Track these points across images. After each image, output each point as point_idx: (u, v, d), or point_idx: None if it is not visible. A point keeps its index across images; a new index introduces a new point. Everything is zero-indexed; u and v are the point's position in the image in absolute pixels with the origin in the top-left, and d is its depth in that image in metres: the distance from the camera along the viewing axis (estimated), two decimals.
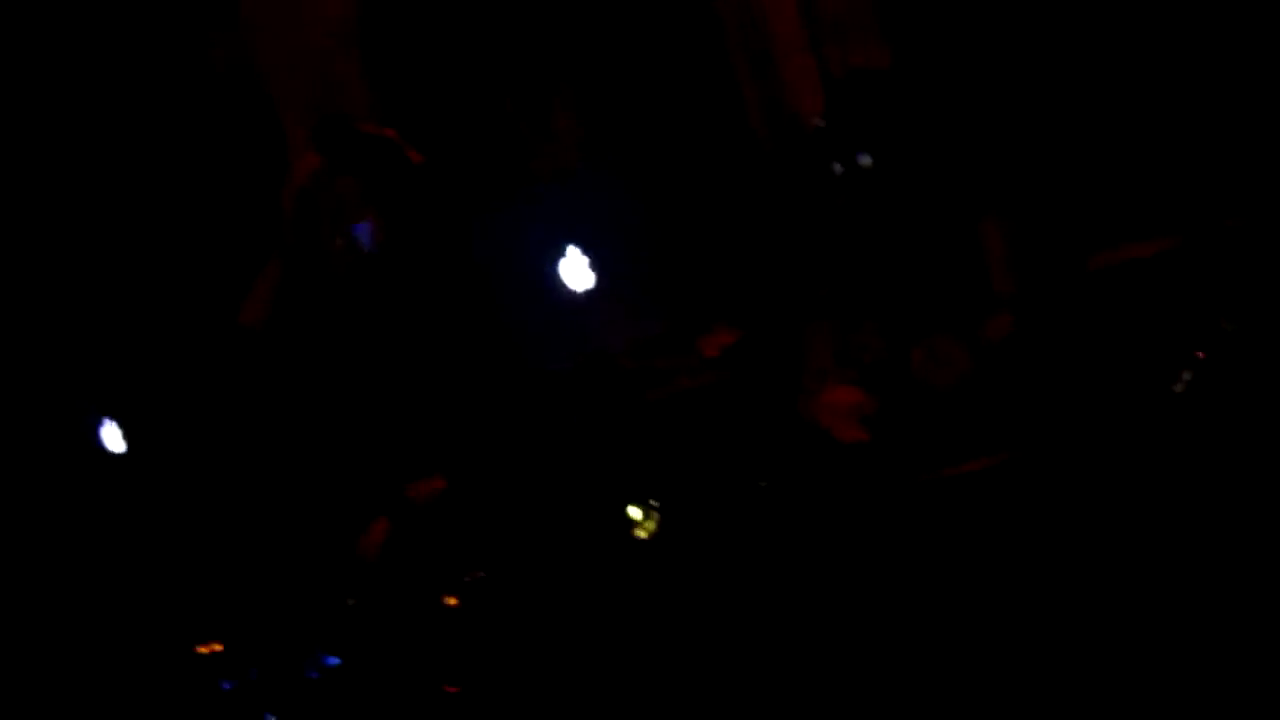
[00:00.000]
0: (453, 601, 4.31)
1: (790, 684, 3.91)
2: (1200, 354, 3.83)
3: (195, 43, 5.68)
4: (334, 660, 4.41)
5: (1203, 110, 4.50)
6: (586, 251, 4.26)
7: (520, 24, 5.13)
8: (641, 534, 4.19)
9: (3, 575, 4.86)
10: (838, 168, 4.28)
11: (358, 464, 4.57)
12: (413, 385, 4.58)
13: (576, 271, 4.23)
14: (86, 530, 4.88)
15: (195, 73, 5.69)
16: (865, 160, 4.18)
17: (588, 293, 4.30)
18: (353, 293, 4.58)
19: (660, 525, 4.18)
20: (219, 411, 4.77)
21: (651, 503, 4.19)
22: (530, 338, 4.39)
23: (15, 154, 5.58)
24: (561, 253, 4.29)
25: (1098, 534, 3.76)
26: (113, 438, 4.71)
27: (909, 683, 3.80)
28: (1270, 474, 3.63)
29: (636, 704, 4.02)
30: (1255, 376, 3.80)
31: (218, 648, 4.54)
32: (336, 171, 4.52)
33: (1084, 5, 4.59)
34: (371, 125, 4.67)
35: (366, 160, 4.50)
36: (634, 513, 4.21)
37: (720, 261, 4.47)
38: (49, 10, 5.75)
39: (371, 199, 4.52)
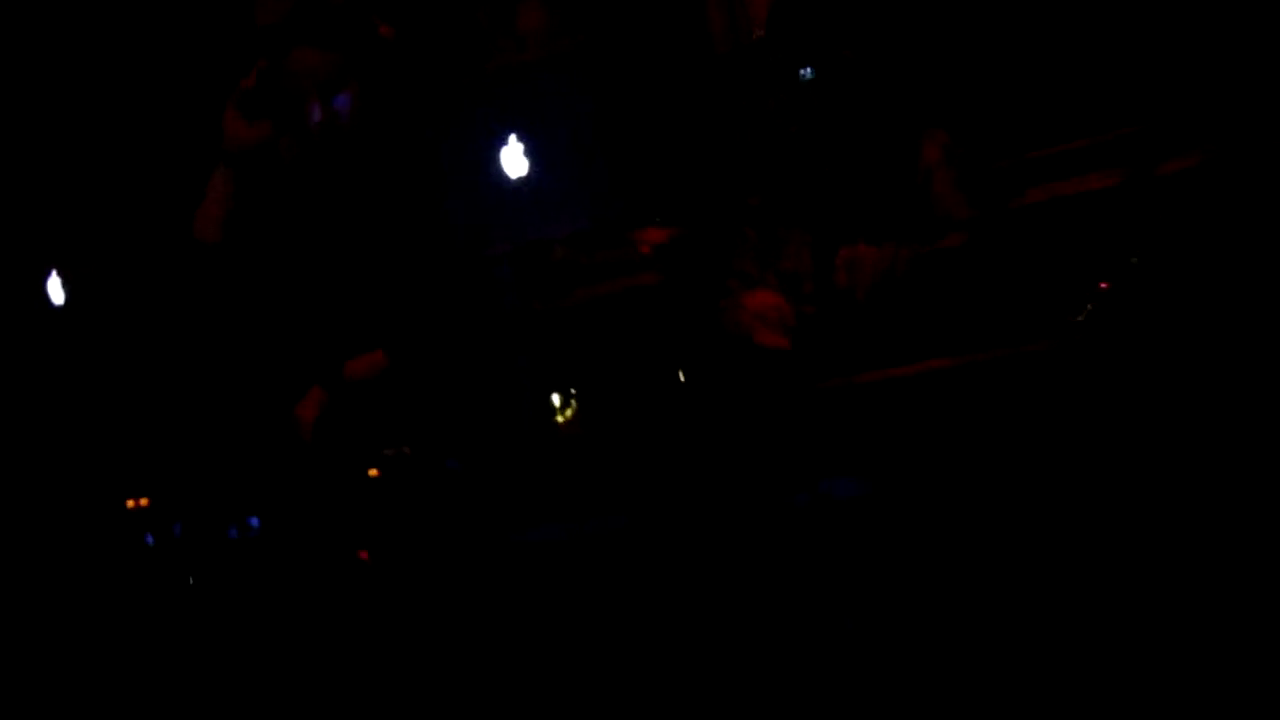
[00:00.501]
0: (374, 473, 4.42)
1: (695, 579, 4.02)
2: (1104, 285, 3.91)
3: None
4: (255, 521, 4.53)
5: (1163, 44, 4.57)
6: (530, 143, 4.34)
7: None
8: (559, 420, 4.29)
9: None
10: (784, 78, 4.35)
11: (297, 336, 4.66)
12: (357, 263, 4.67)
13: (516, 161, 4.31)
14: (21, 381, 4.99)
15: None
16: (806, 74, 4.24)
17: (529, 183, 4.37)
18: (311, 174, 4.65)
19: (578, 413, 4.29)
20: (163, 276, 4.88)
21: (571, 390, 4.29)
22: (471, 224, 4.46)
23: None
24: (505, 143, 4.37)
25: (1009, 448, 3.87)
26: (55, 290, 4.80)
27: (812, 587, 3.91)
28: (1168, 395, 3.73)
29: (537, 581, 4.14)
30: (1158, 309, 3.88)
31: (144, 503, 4.65)
32: (311, 44, 4.59)
33: None
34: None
35: (340, 33, 4.57)
36: (554, 400, 4.32)
37: (662, 161, 4.55)
38: None
39: (347, 72, 4.59)
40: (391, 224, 4.51)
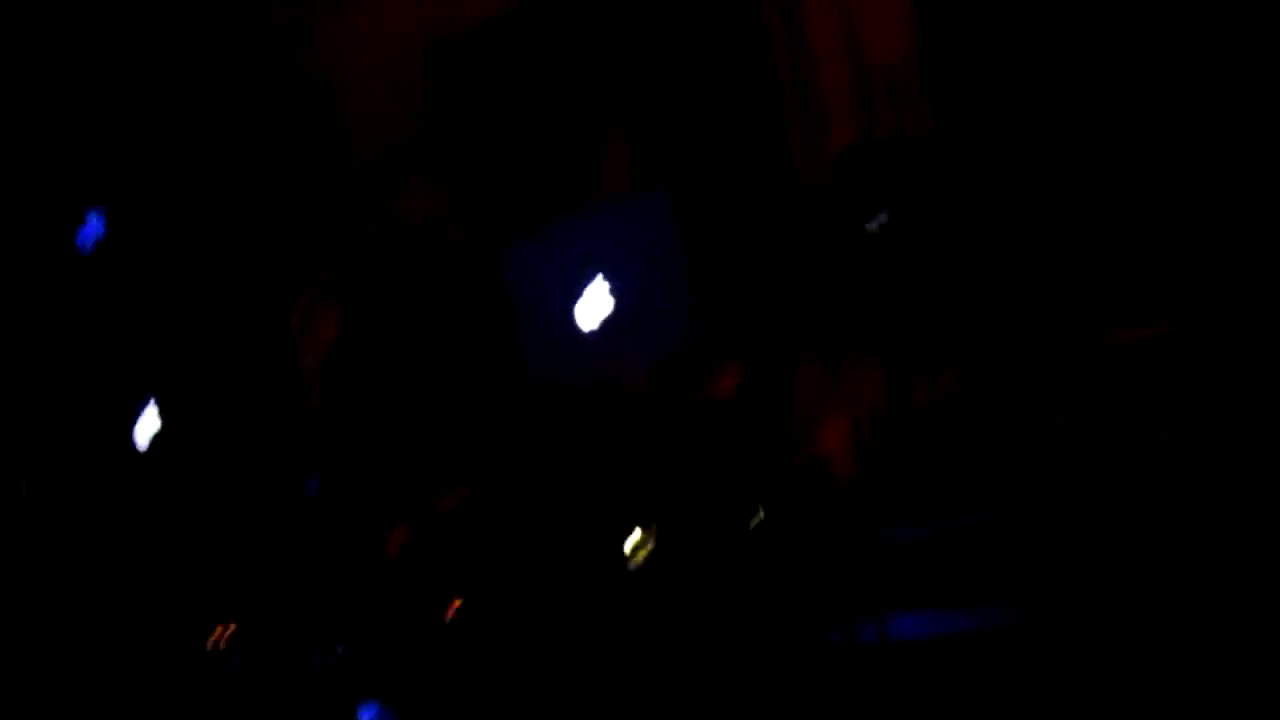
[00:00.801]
0: (457, 602, 4.59)
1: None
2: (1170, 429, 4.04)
3: (274, 58, 6.05)
4: (340, 649, 4.72)
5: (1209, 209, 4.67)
6: (614, 281, 4.50)
7: (583, 62, 5.43)
8: (640, 552, 4.42)
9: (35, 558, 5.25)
10: (868, 225, 4.53)
11: (389, 475, 4.90)
12: (443, 405, 4.90)
13: (600, 300, 4.48)
14: (125, 520, 5.24)
15: (272, 84, 6.05)
16: (881, 220, 4.40)
17: (610, 319, 4.55)
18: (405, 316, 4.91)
19: (657, 545, 4.42)
20: (267, 416, 5.14)
21: (650, 524, 4.42)
22: (553, 360, 4.64)
23: (92, 146, 5.93)
24: (590, 281, 4.54)
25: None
26: (146, 430, 5.05)
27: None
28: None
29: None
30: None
31: (226, 634, 4.88)
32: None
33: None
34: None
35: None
36: (634, 537, 4.45)
37: (738, 296, 4.71)
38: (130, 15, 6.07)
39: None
40: (478, 365, 4.74)
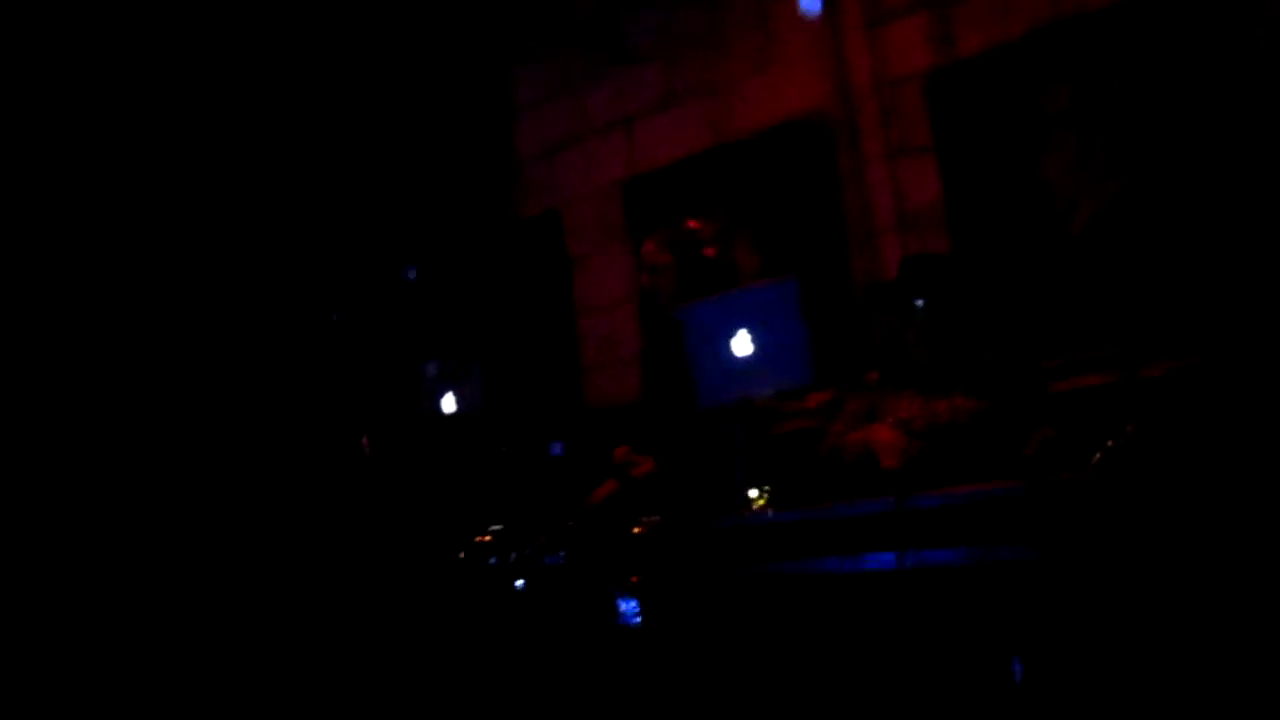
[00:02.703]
0: (637, 530, 7.12)
1: None
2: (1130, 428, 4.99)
3: (515, 192, 8.92)
4: (560, 556, 7.31)
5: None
6: (751, 334, 7.03)
7: (726, 196, 8.22)
8: (759, 503, 6.96)
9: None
10: (915, 302, 7.05)
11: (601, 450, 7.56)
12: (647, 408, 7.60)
13: (743, 345, 7.01)
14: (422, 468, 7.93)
15: (514, 211, 8.95)
16: (919, 303, 6.98)
17: (748, 360, 7.05)
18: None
19: (769, 500, 6.97)
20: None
21: (765, 488, 6.98)
22: (711, 383, 7.17)
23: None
24: (735, 333, 7.08)
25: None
26: (448, 403, 7.72)
27: None
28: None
29: None
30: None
31: (489, 539, 7.51)
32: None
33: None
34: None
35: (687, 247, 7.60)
36: (754, 493, 7.01)
37: (826, 352, 7.28)
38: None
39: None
40: (663, 386, 7.44)
